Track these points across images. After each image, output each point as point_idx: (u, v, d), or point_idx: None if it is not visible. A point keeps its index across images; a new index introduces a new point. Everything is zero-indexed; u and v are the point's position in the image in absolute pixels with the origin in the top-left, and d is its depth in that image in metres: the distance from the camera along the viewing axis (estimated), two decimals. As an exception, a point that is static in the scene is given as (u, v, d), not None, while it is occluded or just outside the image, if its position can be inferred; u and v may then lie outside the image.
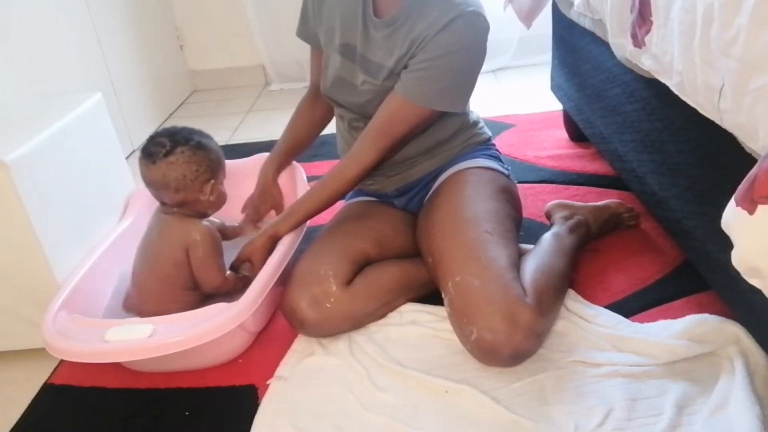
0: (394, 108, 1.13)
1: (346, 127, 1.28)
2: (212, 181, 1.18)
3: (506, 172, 1.29)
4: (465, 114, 1.27)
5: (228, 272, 1.20)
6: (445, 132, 1.24)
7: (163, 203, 1.20)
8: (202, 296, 1.21)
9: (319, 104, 1.38)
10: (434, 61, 1.09)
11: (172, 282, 1.17)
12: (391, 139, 1.15)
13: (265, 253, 1.18)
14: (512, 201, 1.24)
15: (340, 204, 1.39)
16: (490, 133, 1.34)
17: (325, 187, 1.19)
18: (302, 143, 1.44)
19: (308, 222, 1.30)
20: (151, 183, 1.17)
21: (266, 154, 1.55)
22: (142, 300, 1.19)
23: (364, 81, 1.18)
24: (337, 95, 1.24)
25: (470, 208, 1.15)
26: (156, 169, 1.14)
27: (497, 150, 1.34)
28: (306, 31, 1.30)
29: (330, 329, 1.15)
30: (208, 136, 1.21)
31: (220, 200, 1.22)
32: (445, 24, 1.07)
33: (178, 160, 1.14)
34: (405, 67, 1.12)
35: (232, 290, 1.19)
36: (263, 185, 1.42)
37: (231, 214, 1.41)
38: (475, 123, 1.31)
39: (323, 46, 1.26)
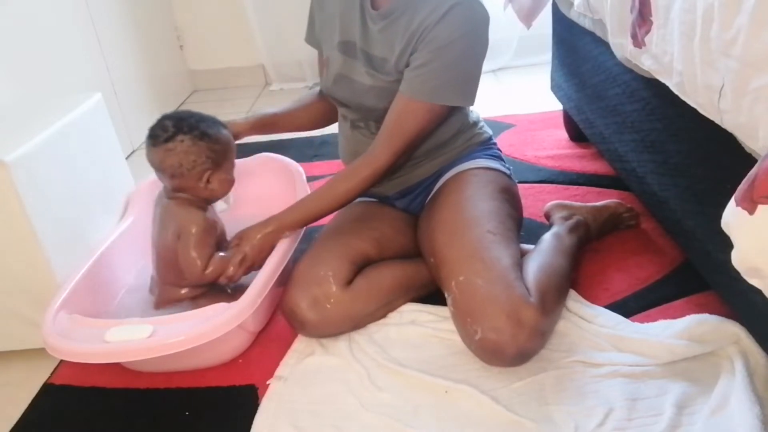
0: (401, 108, 1.12)
1: (349, 126, 1.27)
2: (209, 171, 1.15)
3: (507, 171, 1.29)
4: (465, 115, 1.27)
5: (212, 266, 1.14)
6: (445, 133, 1.24)
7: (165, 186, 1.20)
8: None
9: (322, 104, 1.37)
10: (435, 53, 1.08)
11: (175, 266, 1.16)
12: (403, 140, 1.13)
13: (269, 250, 1.16)
14: (513, 201, 1.24)
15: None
16: (490, 132, 1.33)
17: (334, 187, 1.16)
18: (291, 124, 1.38)
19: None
20: (150, 164, 1.17)
21: (268, 154, 1.56)
22: (159, 284, 1.21)
23: (368, 76, 1.17)
24: (339, 93, 1.23)
25: (472, 208, 1.15)
26: (155, 152, 1.14)
27: (498, 149, 1.33)
28: (313, 36, 1.29)
29: (330, 330, 1.15)
30: (219, 125, 1.18)
31: (223, 188, 1.19)
32: (443, 14, 1.06)
33: (176, 148, 1.12)
34: (407, 64, 1.11)
35: (210, 281, 1.16)
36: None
37: (233, 214, 1.41)
38: (475, 123, 1.31)
39: (323, 46, 1.25)
